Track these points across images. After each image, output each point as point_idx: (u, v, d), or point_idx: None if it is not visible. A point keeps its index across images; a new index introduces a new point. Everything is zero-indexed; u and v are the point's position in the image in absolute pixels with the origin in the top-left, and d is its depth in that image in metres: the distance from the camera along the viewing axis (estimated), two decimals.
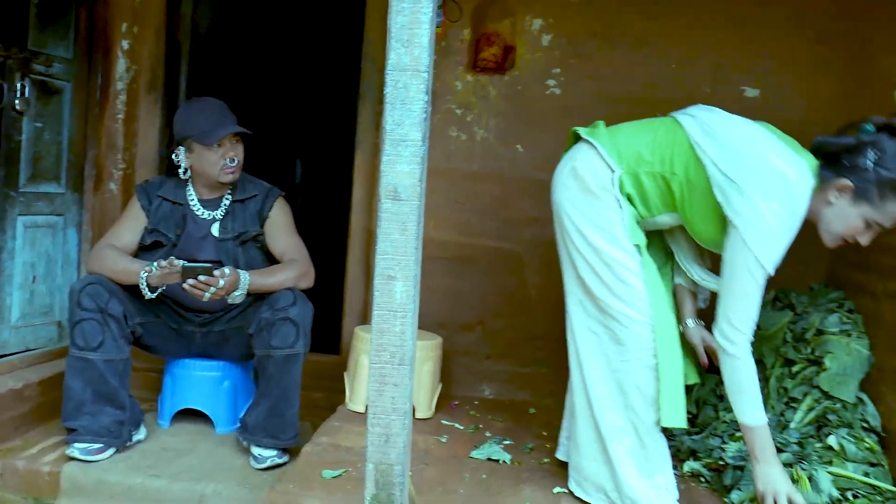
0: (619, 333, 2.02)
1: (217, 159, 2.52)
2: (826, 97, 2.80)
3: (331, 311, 3.29)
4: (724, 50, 2.84)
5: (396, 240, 1.52)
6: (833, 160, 1.93)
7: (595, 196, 2.02)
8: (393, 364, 1.55)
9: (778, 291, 2.80)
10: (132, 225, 2.61)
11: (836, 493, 2.09)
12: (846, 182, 1.89)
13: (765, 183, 1.87)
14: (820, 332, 2.46)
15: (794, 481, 2.05)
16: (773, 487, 1.93)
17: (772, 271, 1.87)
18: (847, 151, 1.90)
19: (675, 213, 2.08)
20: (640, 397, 2.02)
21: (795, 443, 2.26)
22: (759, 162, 1.90)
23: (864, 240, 1.96)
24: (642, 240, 2.06)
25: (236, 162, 2.55)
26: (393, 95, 1.50)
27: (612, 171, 2.01)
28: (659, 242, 2.28)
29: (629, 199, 2.05)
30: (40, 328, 2.95)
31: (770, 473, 1.95)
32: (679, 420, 2.01)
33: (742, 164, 1.90)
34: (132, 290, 2.48)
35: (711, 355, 2.27)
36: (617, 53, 2.88)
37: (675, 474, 2.26)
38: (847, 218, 1.92)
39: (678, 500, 2.07)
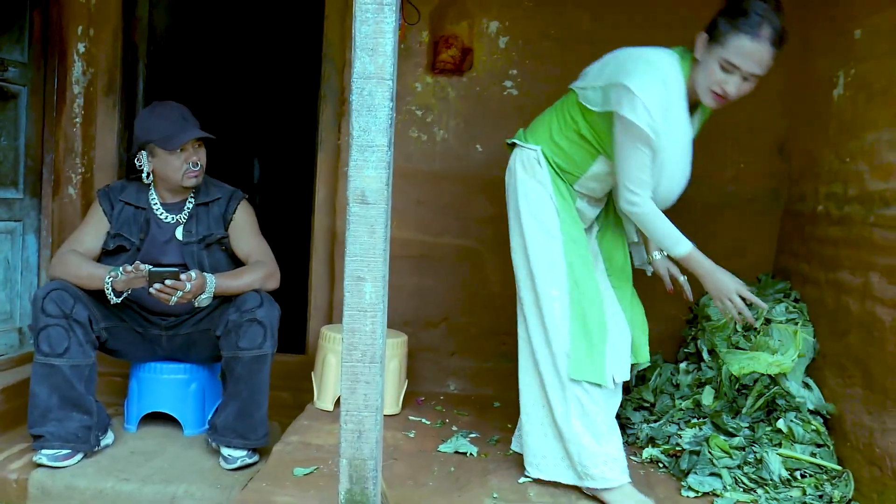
0: (546, 313, 2.16)
1: (180, 164, 2.53)
2: (772, 95, 2.92)
3: (293, 311, 3.31)
4: None
5: (365, 242, 1.57)
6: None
7: (527, 185, 2.23)
8: (364, 362, 1.59)
9: None
10: (94, 230, 2.60)
11: (785, 473, 2.21)
12: (701, 33, 2.06)
13: (629, 69, 2.04)
14: (768, 321, 2.59)
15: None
16: (725, 291, 2.17)
17: (654, 137, 2.02)
18: (714, 19, 2.06)
19: (600, 156, 2.23)
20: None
21: (747, 427, 2.38)
22: (621, 60, 2.10)
23: (731, 88, 2.04)
24: (572, 210, 2.26)
25: (199, 166, 2.57)
26: (359, 103, 1.54)
27: (534, 151, 2.24)
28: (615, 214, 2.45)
29: (558, 167, 2.25)
30: (0, 335, 2.91)
31: (716, 280, 2.18)
32: (586, 374, 2.12)
33: (608, 70, 2.12)
34: (96, 295, 2.48)
35: (675, 284, 2.43)
36: (570, 54, 2.95)
37: (635, 461, 2.36)
38: (706, 66, 2.04)
39: (631, 482, 2.14)
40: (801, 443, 2.31)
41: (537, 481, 2.23)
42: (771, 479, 2.20)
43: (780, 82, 2.92)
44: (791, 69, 2.89)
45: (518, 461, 2.37)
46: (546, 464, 2.21)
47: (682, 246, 2.16)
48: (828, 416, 2.38)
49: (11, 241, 2.96)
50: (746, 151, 2.98)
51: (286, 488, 2.09)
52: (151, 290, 2.37)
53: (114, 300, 2.45)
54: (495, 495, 2.13)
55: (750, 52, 1.98)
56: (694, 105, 2.16)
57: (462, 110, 3.04)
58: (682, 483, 2.23)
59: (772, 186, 2.97)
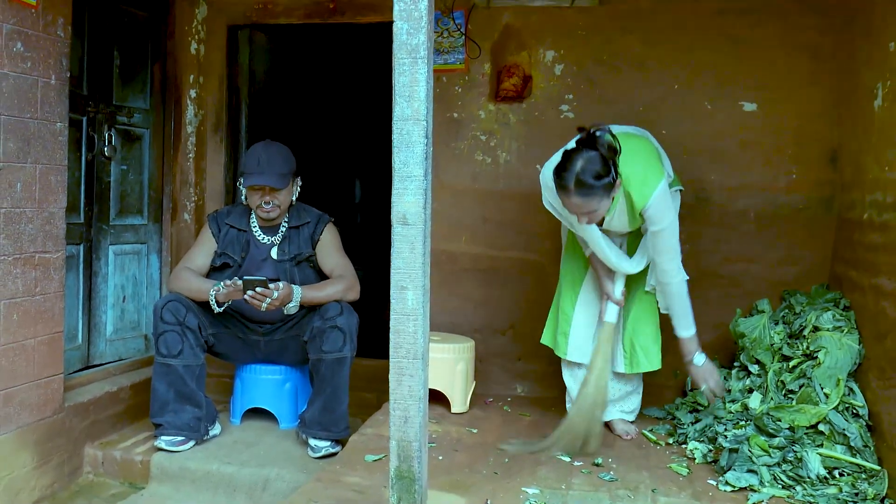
0: None
1: (257, 199, 2.93)
2: (817, 108, 3.02)
3: (383, 319, 3.61)
4: (722, 68, 3.09)
5: (407, 257, 1.86)
6: None
7: None
8: (409, 359, 1.88)
9: (783, 292, 3.02)
10: (204, 249, 3.04)
11: (823, 472, 2.31)
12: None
13: None
14: (816, 329, 2.68)
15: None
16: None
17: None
18: None
19: None
20: None
21: (788, 428, 2.49)
22: None
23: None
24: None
25: (271, 205, 2.93)
26: (399, 140, 1.85)
27: None
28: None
29: None
30: (130, 341, 3.42)
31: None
32: (547, 341, 2.98)
33: None
34: (205, 306, 2.90)
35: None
36: (622, 77, 3.16)
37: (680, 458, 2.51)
38: None
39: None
40: (842, 444, 2.40)
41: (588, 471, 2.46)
42: (808, 477, 2.30)
43: (831, 94, 3.00)
44: (841, 81, 2.97)
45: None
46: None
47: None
48: (869, 422, 2.45)
49: (138, 260, 3.47)
50: (798, 161, 3.07)
51: (356, 471, 2.41)
52: (245, 296, 2.76)
53: (217, 309, 2.87)
54: (539, 483, 2.35)
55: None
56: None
57: (522, 134, 3.29)
58: (721, 479, 2.37)
59: (825, 195, 3.04)
